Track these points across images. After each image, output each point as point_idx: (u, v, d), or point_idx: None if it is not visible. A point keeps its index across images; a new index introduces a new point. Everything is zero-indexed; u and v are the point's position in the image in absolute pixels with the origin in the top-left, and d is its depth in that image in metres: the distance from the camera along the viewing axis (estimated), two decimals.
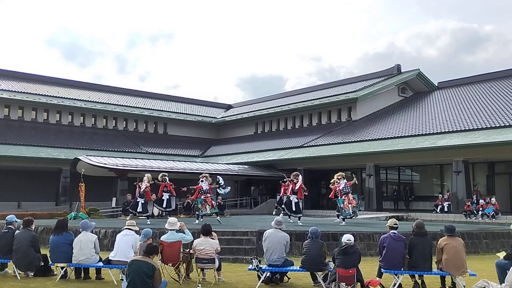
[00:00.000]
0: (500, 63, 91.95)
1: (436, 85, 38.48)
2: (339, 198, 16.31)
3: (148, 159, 29.97)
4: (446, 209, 24.88)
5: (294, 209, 15.73)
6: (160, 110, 43.32)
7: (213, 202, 16.26)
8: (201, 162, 33.68)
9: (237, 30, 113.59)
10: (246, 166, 33.09)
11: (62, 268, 9.00)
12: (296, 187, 15.87)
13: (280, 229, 8.77)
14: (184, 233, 8.90)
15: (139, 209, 16.69)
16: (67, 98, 37.95)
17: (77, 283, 8.75)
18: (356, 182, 18.03)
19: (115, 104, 40.74)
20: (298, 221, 15.58)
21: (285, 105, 40.95)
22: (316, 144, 32.44)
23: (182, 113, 45.12)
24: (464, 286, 7.86)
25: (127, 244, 8.68)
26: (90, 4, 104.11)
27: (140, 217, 17.14)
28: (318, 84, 50.35)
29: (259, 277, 8.53)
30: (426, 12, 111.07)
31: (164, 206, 17.58)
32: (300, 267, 8.44)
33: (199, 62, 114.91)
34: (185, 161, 32.30)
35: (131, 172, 26.69)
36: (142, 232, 8.44)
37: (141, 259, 6.55)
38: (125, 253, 8.49)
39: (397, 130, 29.72)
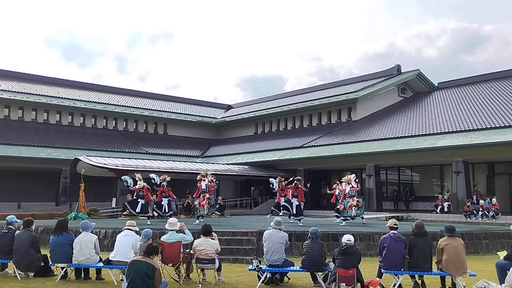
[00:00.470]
0: (500, 63, 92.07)
1: (436, 85, 38.50)
2: (345, 199, 16.40)
3: (148, 159, 29.96)
4: (446, 210, 24.89)
5: (295, 211, 15.71)
6: (160, 111, 43.34)
7: (211, 201, 16.26)
8: (201, 163, 33.68)
9: (237, 30, 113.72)
10: (246, 166, 33.09)
11: (62, 268, 9.00)
12: (296, 191, 15.95)
13: (279, 229, 8.78)
14: (185, 233, 8.90)
15: (138, 209, 16.64)
16: (67, 98, 37.96)
17: (77, 283, 8.75)
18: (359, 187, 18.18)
19: (115, 105, 40.76)
20: (299, 222, 15.61)
21: (285, 105, 40.97)
22: (316, 144, 32.44)
23: (182, 113, 45.14)
24: (464, 287, 7.86)
25: (127, 245, 8.68)
26: (90, 4, 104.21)
27: (139, 217, 17.13)
28: (318, 84, 50.48)
29: (259, 278, 8.53)
30: (426, 12, 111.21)
31: (163, 211, 17.58)
32: (300, 268, 8.44)
33: (199, 62, 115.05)
34: (185, 161, 32.30)
35: (131, 173, 26.57)
36: (142, 232, 8.44)
37: (141, 259, 6.55)
38: (125, 254, 8.49)
39: (397, 130, 29.72)
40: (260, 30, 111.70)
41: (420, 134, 27.39)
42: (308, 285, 8.61)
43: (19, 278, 9.07)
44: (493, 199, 22.71)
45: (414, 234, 8.29)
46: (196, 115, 45.94)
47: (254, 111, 43.91)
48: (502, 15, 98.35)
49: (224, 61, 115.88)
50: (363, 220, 17.12)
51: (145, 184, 16.87)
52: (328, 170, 32.94)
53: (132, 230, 8.95)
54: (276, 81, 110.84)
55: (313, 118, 38.60)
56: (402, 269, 8.11)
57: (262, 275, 8.50)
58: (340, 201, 16.84)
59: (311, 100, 39.08)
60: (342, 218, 16.54)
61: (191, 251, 8.81)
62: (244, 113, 45.00)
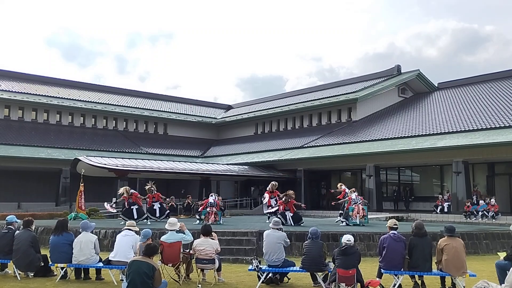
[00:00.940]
0: (500, 64, 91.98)
1: (436, 85, 38.49)
2: (350, 206, 16.50)
3: (148, 160, 29.96)
4: (446, 210, 24.86)
5: (292, 223, 15.59)
6: (160, 111, 43.34)
7: (217, 217, 16.50)
8: (201, 163, 33.68)
9: (237, 30, 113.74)
10: (246, 167, 33.09)
11: (62, 268, 9.00)
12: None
13: (277, 229, 8.79)
14: (184, 233, 8.91)
15: (135, 216, 16.57)
16: (67, 98, 37.97)
17: (77, 283, 8.75)
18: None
19: (115, 105, 40.76)
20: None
21: (285, 105, 40.96)
22: (316, 144, 32.44)
23: (182, 113, 45.14)
24: (464, 287, 7.86)
25: (127, 245, 8.68)
26: (90, 4, 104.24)
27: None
28: (318, 84, 50.47)
29: (259, 278, 8.54)
30: (426, 12, 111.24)
31: (157, 215, 17.61)
32: (300, 268, 8.45)
33: (199, 62, 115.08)
34: (185, 162, 32.30)
35: (131, 173, 26.70)
36: (142, 232, 8.45)
37: (141, 259, 6.55)
38: (125, 254, 8.50)
39: (397, 130, 29.72)
40: (260, 30, 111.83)
41: (420, 134, 27.38)
42: (308, 285, 8.61)
43: (19, 278, 9.07)
44: (492, 200, 22.69)
45: (414, 234, 8.29)
46: (196, 115, 45.94)
47: (254, 111, 43.91)
48: (502, 15, 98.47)
49: (224, 61, 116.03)
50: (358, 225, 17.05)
51: (133, 191, 16.82)
52: (328, 170, 32.94)
53: (132, 230, 8.96)
54: (276, 81, 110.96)
55: (313, 118, 38.60)
56: (402, 269, 8.11)
57: (262, 275, 8.51)
58: (346, 205, 16.86)
59: (311, 100, 39.08)
60: (343, 219, 16.58)
61: (191, 251, 8.82)
62: (244, 113, 45.00)
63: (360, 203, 16.60)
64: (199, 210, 17.36)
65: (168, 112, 44.02)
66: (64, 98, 37.84)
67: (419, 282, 8.23)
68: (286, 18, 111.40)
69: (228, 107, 52.75)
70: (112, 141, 37.23)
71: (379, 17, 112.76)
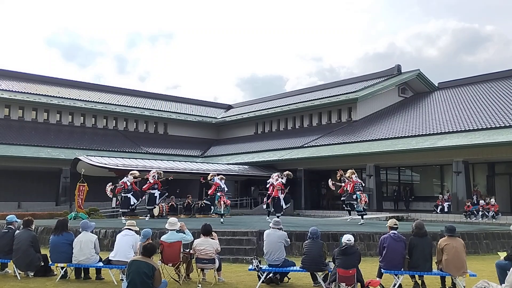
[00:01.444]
0: (500, 63, 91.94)
1: (436, 85, 38.48)
2: (357, 193, 16.20)
3: (149, 159, 29.96)
4: (446, 210, 24.88)
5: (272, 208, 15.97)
6: (160, 110, 43.34)
7: (228, 201, 16.58)
8: (201, 162, 33.68)
9: (237, 30, 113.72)
10: (246, 166, 33.08)
11: (62, 268, 9.00)
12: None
13: (278, 228, 8.78)
14: (184, 233, 8.90)
15: (133, 201, 16.72)
16: (67, 98, 37.97)
17: (77, 283, 8.75)
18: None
19: (115, 104, 40.76)
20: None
21: (285, 105, 40.96)
22: (316, 144, 32.44)
23: (182, 113, 45.14)
24: (464, 287, 7.85)
25: (127, 244, 8.68)
26: (90, 4, 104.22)
27: (140, 218, 17.28)
28: (319, 84, 50.45)
29: (259, 278, 8.53)
30: (427, 12, 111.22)
31: (157, 202, 18.04)
32: (300, 267, 8.44)
33: (199, 62, 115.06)
34: (185, 161, 32.30)
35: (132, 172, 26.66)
36: (142, 232, 8.45)
37: (140, 259, 6.54)
38: (125, 253, 8.49)
39: (397, 130, 29.72)
40: (260, 30, 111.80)
41: (420, 134, 27.38)
42: (308, 285, 8.60)
43: (19, 278, 9.06)
44: (492, 200, 22.69)
45: (414, 234, 8.28)
46: (196, 115, 45.95)
47: (254, 111, 43.91)
48: (502, 15, 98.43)
49: (224, 61, 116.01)
50: (364, 213, 16.77)
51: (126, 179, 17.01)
52: (328, 170, 32.86)
53: (132, 230, 8.95)
54: (276, 81, 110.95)
55: (313, 118, 38.60)
56: (402, 269, 8.10)
57: (262, 275, 8.50)
58: (349, 191, 16.44)
59: (311, 100, 39.08)
60: (358, 214, 16.40)
61: (191, 251, 8.81)
62: (244, 113, 45.00)
63: (361, 190, 16.43)
64: (209, 193, 17.14)
65: (168, 112, 44.02)
66: (64, 97, 37.84)
67: (419, 282, 8.22)
68: (286, 18, 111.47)
69: (228, 107, 52.75)
70: (112, 140, 37.23)
71: (379, 17, 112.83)
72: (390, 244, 8.13)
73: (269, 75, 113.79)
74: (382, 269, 8.24)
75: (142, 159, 30.08)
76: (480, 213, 22.37)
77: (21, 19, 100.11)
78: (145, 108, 42.41)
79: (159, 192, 18.21)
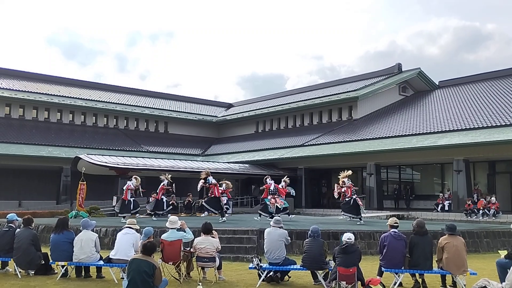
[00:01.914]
0: (502, 62, 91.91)
1: (437, 84, 38.43)
2: (354, 197, 16.41)
3: (149, 158, 29.96)
4: (446, 208, 24.88)
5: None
6: (161, 109, 43.32)
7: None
8: (202, 161, 33.69)
9: (237, 29, 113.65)
10: (246, 165, 33.08)
11: (62, 266, 9.01)
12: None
13: (279, 227, 8.78)
14: (185, 231, 8.90)
15: (134, 206, 16.90)
16: (68, 97, 37.96)
17: (78, 281, 8.75)
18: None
19: (116, 103, 40.73)
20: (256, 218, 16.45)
21: (286, 104, 40.93)
22: (317, 143, 32.44)
23: (183, 112, 45.13)
24: (464, 285, 7.85)
25: (127, 243, 8.69)
26: (90, 3, 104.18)
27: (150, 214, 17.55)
28: (319, 83, 50.40)
29: (260, 276, 8.54)
30: (428, 11, 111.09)
31: (165, 208, 18.00)
32: (300, 266, 8.44)
33: (199, 60, 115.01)
34: (186, 160, 32.30)
35: (132, 171, 26.66)
36: (143, 231, 8.45)
37: (141, 258, 6.52)
38: (125, 252, 8.50)
39: (398, 129, 29.70)
40: (260, 29, 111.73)
41: (421, 132, 27.36)
42: (308, 284, 8.60)
43: (19, 276, 9.07)
44: (492, 198, 22.68)
45: (415, 233, 8.29)
46: (197, 114, 45.95)
47: (255, 110, 43.89)
48: (504, 14, 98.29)
49: (224, 59, 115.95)
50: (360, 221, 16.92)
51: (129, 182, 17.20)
52: (329, 169, 32.91)
53: (132, 229, 8.96)
54: (277, 80, 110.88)
55: (314, 117, 38.58)
56: (403, 268, 8.11)
57: (262, 274, 8.51)
58: (347, 196, 16.60)
59: (312, 98, 39.06)
60: (360, 217, 16.47)
61: (192, 250, 8.81)
62: (245, 112, 44.98)
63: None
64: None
65: (169, 110, 43.99)
66: (65, 96, 37.83)
67: (420, 280, 8.23)
68: (287, 17, 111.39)
69: (228, 106, 52.73)
70: (113, 139, 37.24)
71: (379, 17, 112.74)
72: (391, 242, 8.14)
73: (269, 74, 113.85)
74: (382, 268, 8.25)
75: (143, 157, 30.10)
76: (481, 211, 22.36)
77: (21, 18, 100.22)
78: (145, 107, 42.42)
79: (166, 199, 18.30)
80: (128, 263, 6.61)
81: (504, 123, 24.04)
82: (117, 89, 45.51)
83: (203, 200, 17.37)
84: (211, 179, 16.48)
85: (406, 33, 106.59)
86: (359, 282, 7.54)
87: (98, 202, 25.46)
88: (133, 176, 17.67)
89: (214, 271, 8.81)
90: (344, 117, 36.24)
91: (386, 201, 29.21)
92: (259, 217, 16.49)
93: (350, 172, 17.13)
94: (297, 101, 40.13)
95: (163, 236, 8.76)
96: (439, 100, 33.90)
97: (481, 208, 22.45)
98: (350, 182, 16.78)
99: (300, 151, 31.69)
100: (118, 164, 26.24)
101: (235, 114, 46.35)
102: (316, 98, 38.67)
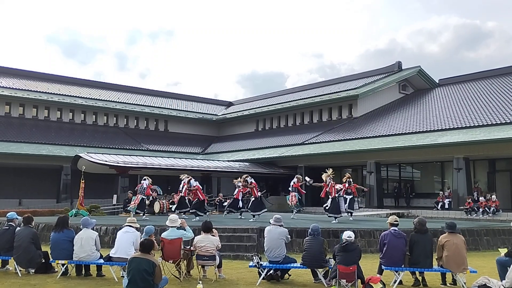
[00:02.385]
0: (502, 60, 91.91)
1: (437, 82, 38.41)
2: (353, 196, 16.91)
3: (149, 156, 29.95)
4: (446, 206, 24.90)
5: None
6: (161, 108, 43.29)
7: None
8: (202, 159, 33.68)
9: (237, 27, 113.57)
10: (247, 163, 33.07)
11: (63, 265, 9.01)
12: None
13: (279, 225, 8.79)
14: (185, 230, 8.90)
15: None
16: (68, 95, 37.93)
17: (78, 280, 8.76)
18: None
19: (116, 102, 40.69)
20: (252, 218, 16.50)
21: (286, 102, 40.92)
22: (317, 141, 32.43)
23: (183, 110, 45.10)
24: (464, 283, 7.86)
25: (128, 241, 8.69)
26: (90, 2, 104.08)
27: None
28: (319, 81, 50.32)
29: (260, 274, 8.54)
30: (428, 9, 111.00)
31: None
32: (300, 264, 8.45)
33: (199, 59, 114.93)
34: (186, 158, 32.30)
35: (132, 169, 26.71)
36: (145, 229, 8.47)
37: (141, 256, 6.53)
38: (125, 250, 8.51)
39: (398, 127, 29.68)
40: (260, 27, 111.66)
41: (421, 131, 27.34)
42: (308, 282, 8.61)
43: (20, 275, 9.07)
44: (493, 196, 22.69)
45: (415, 231, 8.30)
46: (196, 112, 45.93)
47: (255, 108, 43.87)
48: (504, 12, 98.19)
49: (224, 58, 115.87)
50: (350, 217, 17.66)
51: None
52: (329, 167, 32.85)
53: (132, 227, 8.96)
54: (277, 78, 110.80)
55: (314, 115, 38.57)
56: (403, 266, 8.11)
57: (262, 272, 8.51)
58: (341, 193, 17.12)
59: (312, 96, 39.02)
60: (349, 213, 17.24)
61: (192, 248, 8.82)
62: (245, 110, 44.95)
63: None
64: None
65: (169, 109, 43.95)
66: (65, 95, 37.79)
67: (420, 278, 8.24)
68: (287, 16, 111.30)
69: (228, 104, 52.69)
70: (113, 138, 37.23)
71: (379, 15, 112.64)
72: (391, 240, 8.14)
73: (269, 72, 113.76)
74: (382, 266, 8.25)
75: (143, 156, 30.09)
76: (481, 209, 22.38)
77: (21, 17, 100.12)
78: (145, 105, 42.41)
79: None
80: (128, 261, 6.62)
81: (504, 121, 24.02)
82: (117, 88, 45.47)
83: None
84: (193, 182, 16.83)
85: (406, 31, 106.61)
86: (359, 280, 7.55)
87: (98, 201, 25.48)
88: (145, 177, 17.82)
89: (214, 270, 8.82)
90: (344, 115, 36.23)
91: (386, 199, 29.21)
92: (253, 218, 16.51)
93: (331, 170, 17.52)
94: (297, 99, 40.10)
95: (163, 235, 8.77)
96: (439, 98, 33.87)
97: (481, 206, 22.46)
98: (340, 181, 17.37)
99: (300, 149, 31.68)
100: (118, 163, 26.23)
101: (235, 112, 46.33)
102: (316, 96, 38.64)
